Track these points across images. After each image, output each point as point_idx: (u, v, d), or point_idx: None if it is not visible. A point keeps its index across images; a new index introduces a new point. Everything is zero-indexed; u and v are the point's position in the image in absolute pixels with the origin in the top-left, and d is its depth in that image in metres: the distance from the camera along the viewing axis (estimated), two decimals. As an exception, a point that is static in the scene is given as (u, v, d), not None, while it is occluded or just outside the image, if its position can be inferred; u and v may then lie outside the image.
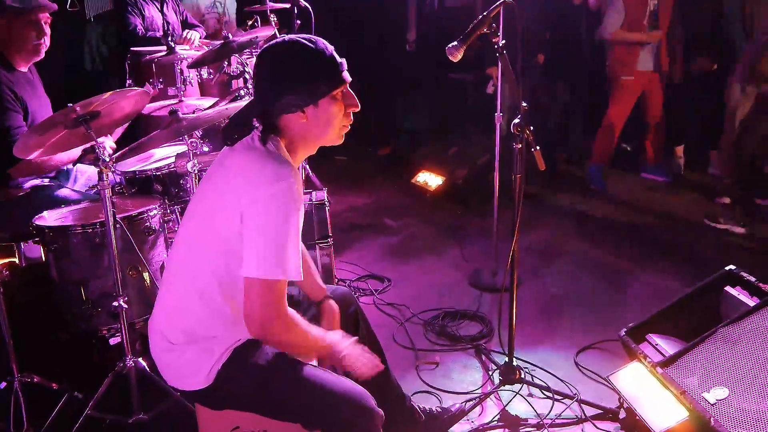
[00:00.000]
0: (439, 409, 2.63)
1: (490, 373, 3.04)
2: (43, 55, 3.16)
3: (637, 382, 2.49)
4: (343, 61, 1.87)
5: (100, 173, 2.41)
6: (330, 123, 1.88)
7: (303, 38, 1.84)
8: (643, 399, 2.41)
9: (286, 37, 1.85)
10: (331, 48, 1.86)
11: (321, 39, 1.86)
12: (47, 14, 3.11)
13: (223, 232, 1.81)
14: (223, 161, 1.93)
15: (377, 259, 4.32)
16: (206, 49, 4.45)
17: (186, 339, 1.88)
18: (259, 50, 4.00)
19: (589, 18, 5.70)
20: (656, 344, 2.57)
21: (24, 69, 3.16)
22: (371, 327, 2.34)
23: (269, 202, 1.73)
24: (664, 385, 2.35)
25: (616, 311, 3.56)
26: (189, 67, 3.75)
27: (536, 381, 2.88)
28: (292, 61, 1.82)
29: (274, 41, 1.87)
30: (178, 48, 3.76)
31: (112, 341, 3.01)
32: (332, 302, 2.17)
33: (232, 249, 1.79)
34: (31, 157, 2.55)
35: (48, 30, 3.11)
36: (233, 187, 1.80)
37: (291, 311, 1.85)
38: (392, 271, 4.11)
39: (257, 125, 1.88)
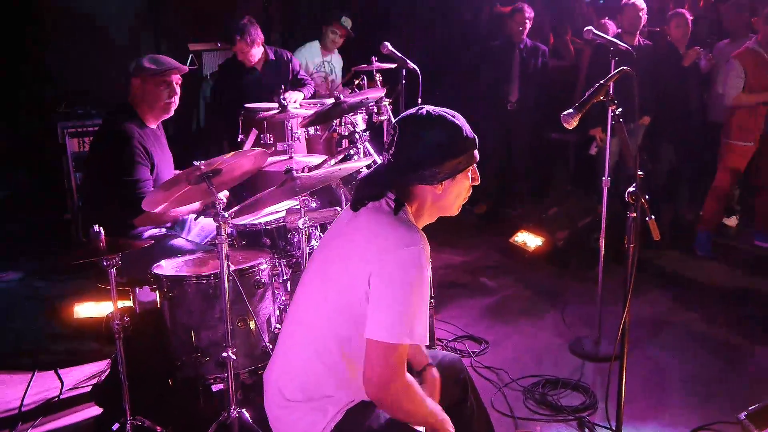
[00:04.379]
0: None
1: (595, 448, 2.92)
2: (172, 113, 3.36)
3: (761, 473, 2.33)
4: (476, 137, 1.91)
5: (218, 227, 2.51)
6: (460, 195, 1.94)
7: (448, 114, 1.88)
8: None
9: (430, 109, 1.88)
10: (467, 125, 1.89)
11: (459, 114, 1.90)
12: (178, 75, 3.32)
13: (348, 293, 1.82)
14: (348, 222, 1.95)
15: (474, 320, 4.26)
16: (311, 107, 4.60)
17: (303, 397, 1.89)
18: (384, 112, 4.13)
19: (699, 80, 5.55)
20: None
21: (153, 126, 3.36)
22: (480, 396, 2.29)
23: (400, 266, 1.74)
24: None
25: (731, 390, 3.36)
26: (301, 125, 3.88)
27: (645, 461, 2.74)
28: (440, 137, 1.84)
29: (417, 112, 1.88)
30: (290, 106, 3.90)
31: (215, 387, 3.09)
32: (434, 370, 2.11)
33: (356, 310, 1.80)
34: (156, 210, 2.70)
35: (178, 90, 3.31)
36: (362, 249, 1.82)
37: (409, 377, 1.84)
38: (489, 333, 4.04)
39: (388, 190, 1.91)
